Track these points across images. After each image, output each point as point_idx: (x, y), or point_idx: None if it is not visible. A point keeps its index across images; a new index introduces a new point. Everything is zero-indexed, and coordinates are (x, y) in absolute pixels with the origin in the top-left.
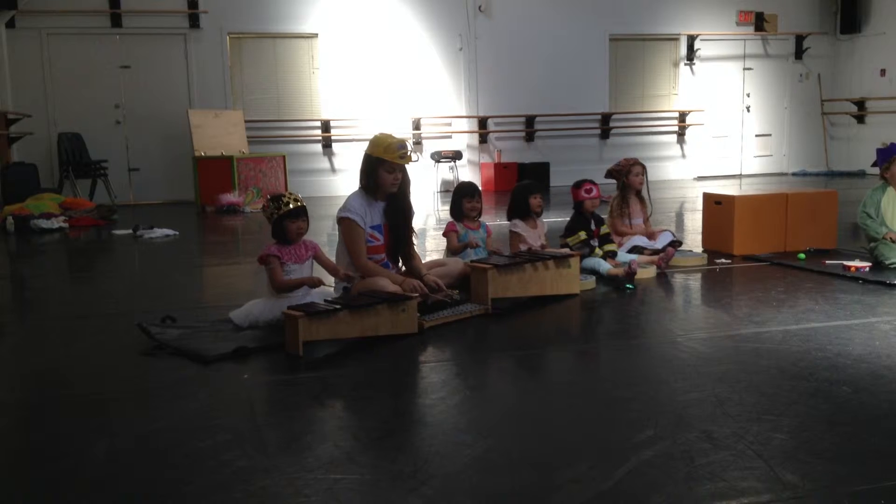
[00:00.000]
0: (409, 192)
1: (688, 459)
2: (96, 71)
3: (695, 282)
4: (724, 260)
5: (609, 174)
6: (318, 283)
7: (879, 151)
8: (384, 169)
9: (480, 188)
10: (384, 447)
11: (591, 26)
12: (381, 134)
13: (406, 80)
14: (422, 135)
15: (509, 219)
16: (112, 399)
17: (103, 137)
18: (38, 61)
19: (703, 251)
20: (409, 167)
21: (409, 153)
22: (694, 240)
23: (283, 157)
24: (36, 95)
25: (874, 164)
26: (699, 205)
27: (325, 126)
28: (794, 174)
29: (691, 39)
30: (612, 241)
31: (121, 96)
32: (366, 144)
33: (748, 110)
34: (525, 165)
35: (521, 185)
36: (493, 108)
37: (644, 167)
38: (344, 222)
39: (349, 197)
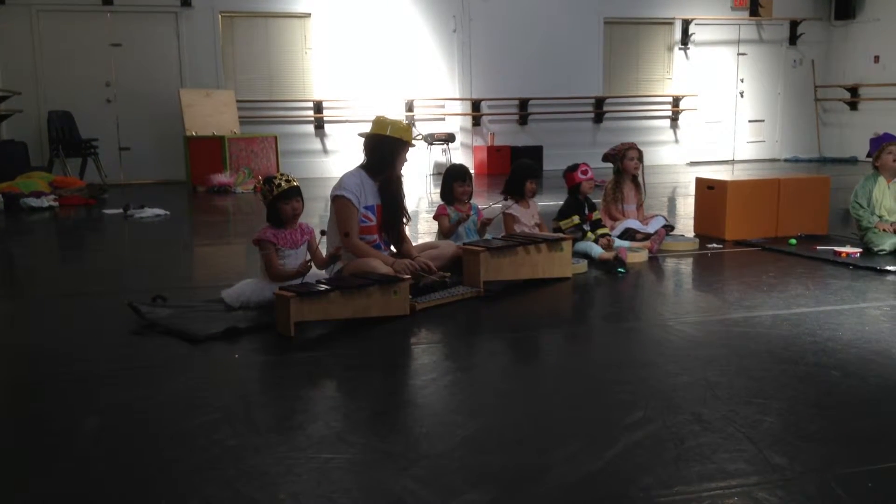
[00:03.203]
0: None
1: (677, 441)
2: (87, 49)
3: (686, 266)
4: (715, 245)
5: (605, 158)
6: (308, 268)
7: (872, 141)
8: (405, 151)
9: (473, 171)
10: (375, 427)
11: (586, 9)
12: (388, 117)
13: (399, 62)
14: (415, 117)
15: (504, 193)
16: (102, 377)
17: (94, 116)
18: (28, 38)
19: (694, 236)
20: None
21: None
22: (686, 224)
23: (275, 137)
24: (26, 73)
25: (869, 155)
26: (691, 190)
27: (318, 107)
28: (786, 160)
29: (686, 24)
30: (603, 226)
31: (111, 74)
32: (361, 126)
33: (741, 96)
34: (518, 149)
35: (522, 165)
36: (487, 91)
37: (640, 151)
38: (338, 201)
39: (344, 176)
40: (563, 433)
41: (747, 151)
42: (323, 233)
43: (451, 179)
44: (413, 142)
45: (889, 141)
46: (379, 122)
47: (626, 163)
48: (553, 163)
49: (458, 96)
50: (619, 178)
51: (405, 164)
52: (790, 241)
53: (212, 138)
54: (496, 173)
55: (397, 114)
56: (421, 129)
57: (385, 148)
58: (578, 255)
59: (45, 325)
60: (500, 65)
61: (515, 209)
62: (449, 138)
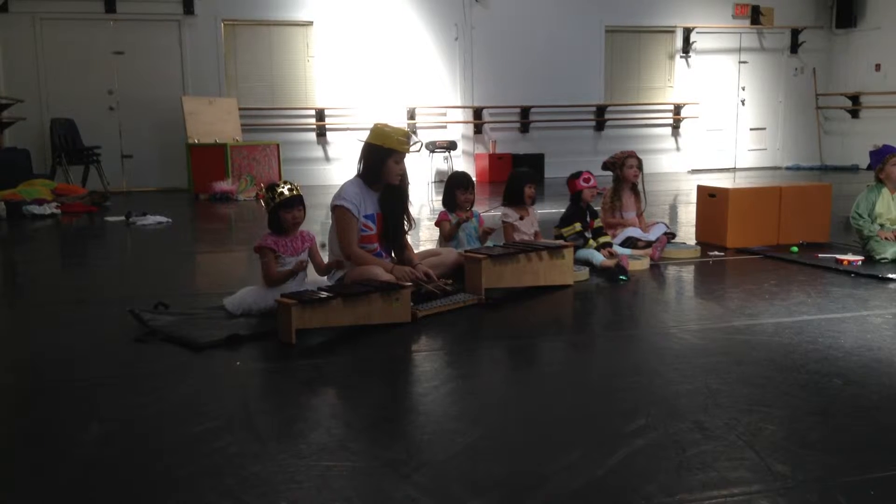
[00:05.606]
0: (408, 183)
1: (679, 449)
2: (90, 56)
3: (688, 274)
4: (717, 252)
5: (605, 166)
6: (304, 266)
7: (872, 154)
8: (393, 160)
9: (475, 179)
10: (377, 435)
11: (587, 17)
12: (384, 124)
13: (401, 70)
14: (416, 124)
15: (504, 203)
16: (103, 384)
17: (96, 123)
18: (30, 46)
19: (696, 243)
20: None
21: (412, 143)
22: (687, 232)
23: (277, 145)
24: (28, 80)
25: (869, 167)
26: (693, 197)
27: (320, 115)
28: (787, 168)
29: (687, 32)
30: (605, 234)
31: (114, 82)
32: (364, 134)
33: (743, 104)
34: (520, 156)
35: (517, 173)
36: (489, 99)
37: (639, 160)
38: (337, 210)
39: (344, 185)
40: (565, 441)
41: (749, 159)
42: (322, 245)
43: (454, 187)
44: (406, 148)
45: (893, 153)
46: (372, 130)
47: (625, 171)
48: (554, 171)
49: (459, 104)
50: (619, 186)
51: (403, 171)
52: (792, 249)
53: (214, 146)
54: (498, 181)
55: (399, 121)
56: (422, 136)
57: (373, 156)
58: (580, 262)
59: (47, 332)
60: (501, 72)
61: (514, 217)
62: (450, 146)
